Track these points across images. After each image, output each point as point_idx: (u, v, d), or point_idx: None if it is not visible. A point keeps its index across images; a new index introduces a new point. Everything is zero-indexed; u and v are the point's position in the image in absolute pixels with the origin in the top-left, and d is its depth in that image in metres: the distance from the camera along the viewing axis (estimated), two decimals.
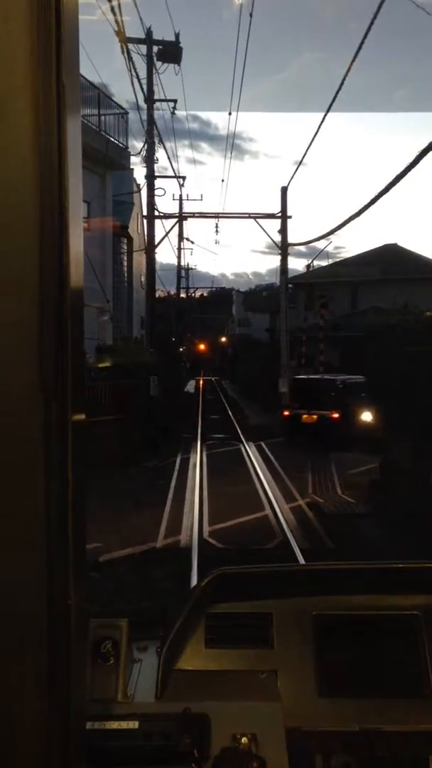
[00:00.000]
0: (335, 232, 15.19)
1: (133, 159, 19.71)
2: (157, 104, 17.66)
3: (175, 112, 19.34)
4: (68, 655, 0.74)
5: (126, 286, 22.79)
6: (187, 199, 28.48)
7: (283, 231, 19.60)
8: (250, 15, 13.29)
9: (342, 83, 10.48)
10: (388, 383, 12.74)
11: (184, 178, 29.17)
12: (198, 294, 50.45)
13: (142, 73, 17.07)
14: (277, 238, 19.87)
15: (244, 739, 1.34)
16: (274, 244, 20.23)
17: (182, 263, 36.32)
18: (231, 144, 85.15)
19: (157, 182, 18.50)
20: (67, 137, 0.71)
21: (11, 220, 0.68)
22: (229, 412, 21.90)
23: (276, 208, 19.54)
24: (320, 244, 35.49)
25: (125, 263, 22.88)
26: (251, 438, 15.15)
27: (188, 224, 31.33)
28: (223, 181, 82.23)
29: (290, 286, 23.28)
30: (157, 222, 19.21)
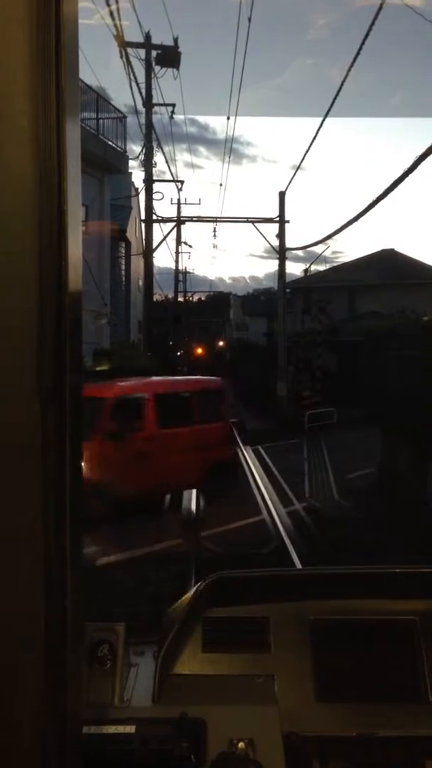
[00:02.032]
0: (333, 237, 15.24)
1: (131, 163, 19.74)
2: (156, 108, 17.75)
3: (174, 116, 19.44)
4: (64, 659, 0.74)
5: (123, 289, 22.80)
6: (185, 203, 28.50)
7: (281, 235, 19.64)
8: (249, 20, 13.34)
9: (340, 88, 10.54)
10: (386, 387, 12.77)
11: (182, 182, 29.31)
12: (195, 298, 50.45)
13: (141, 77, 17.16)
14: (275, 242, 19.92)
15: (240, 744, 1.34)
16: (272, 248, 20.28)
17: (180, 267, 36.35)
18: (229, 148, 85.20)
19: (156, 186, 18.58)
20: (66, 141, 0.71)
21: (10, 223, 0.68)
22: None
23: (274, 213, 19.58)
24: (318, 249, 35.55)
25: (123, 267, 22.90)
26: (247, 442, 15.11)
27: (186, 228, 31.34)
28: (221, 185, 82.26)
29: (288, 290, 23.31)
30: (155, 226, 19.28)
